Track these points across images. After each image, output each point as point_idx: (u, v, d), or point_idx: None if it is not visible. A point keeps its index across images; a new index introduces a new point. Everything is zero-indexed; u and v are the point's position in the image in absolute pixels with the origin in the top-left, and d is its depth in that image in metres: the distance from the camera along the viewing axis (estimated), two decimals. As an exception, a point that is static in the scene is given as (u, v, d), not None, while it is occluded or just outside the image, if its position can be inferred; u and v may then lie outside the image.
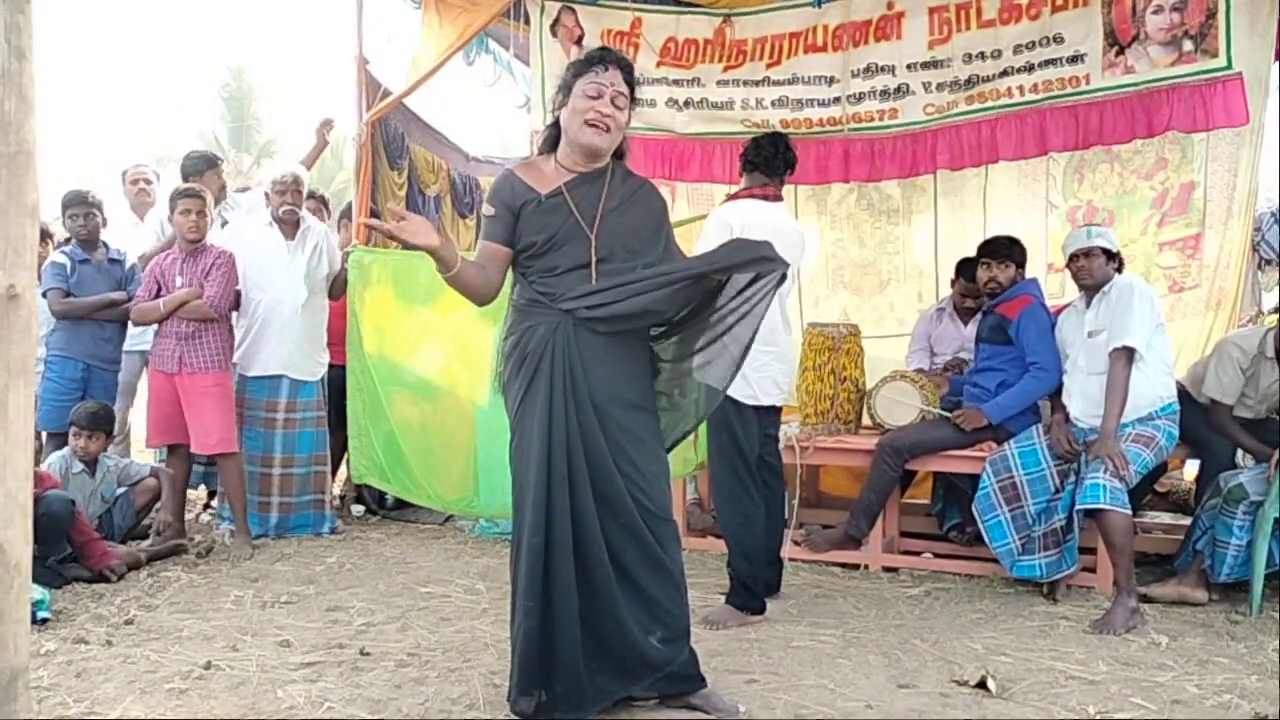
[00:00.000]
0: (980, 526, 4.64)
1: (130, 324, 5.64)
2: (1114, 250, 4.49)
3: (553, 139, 3.11)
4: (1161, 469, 5.01)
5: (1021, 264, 4.90)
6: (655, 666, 2.99)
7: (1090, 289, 4.52)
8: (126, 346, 5.97)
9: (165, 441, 5.41)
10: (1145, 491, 5.17)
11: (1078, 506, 4.31)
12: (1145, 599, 4.34)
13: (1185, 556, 4.56)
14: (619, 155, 3.12)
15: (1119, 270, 4.51)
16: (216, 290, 5.30)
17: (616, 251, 2.99)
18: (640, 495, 2.96)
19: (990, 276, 4.95)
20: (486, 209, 3.04)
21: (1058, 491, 4.51)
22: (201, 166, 6.16)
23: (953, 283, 5.74)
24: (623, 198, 3.05)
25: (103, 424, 5.23)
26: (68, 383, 5.63)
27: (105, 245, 5.82)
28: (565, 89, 3.03)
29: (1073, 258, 4.52)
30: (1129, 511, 4.22)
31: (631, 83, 3.04)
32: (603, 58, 3.00)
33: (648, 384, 3.10)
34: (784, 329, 4.24)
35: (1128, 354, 4.28)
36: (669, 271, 2.99)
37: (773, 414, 4.29)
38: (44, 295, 5.52)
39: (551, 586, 2.90)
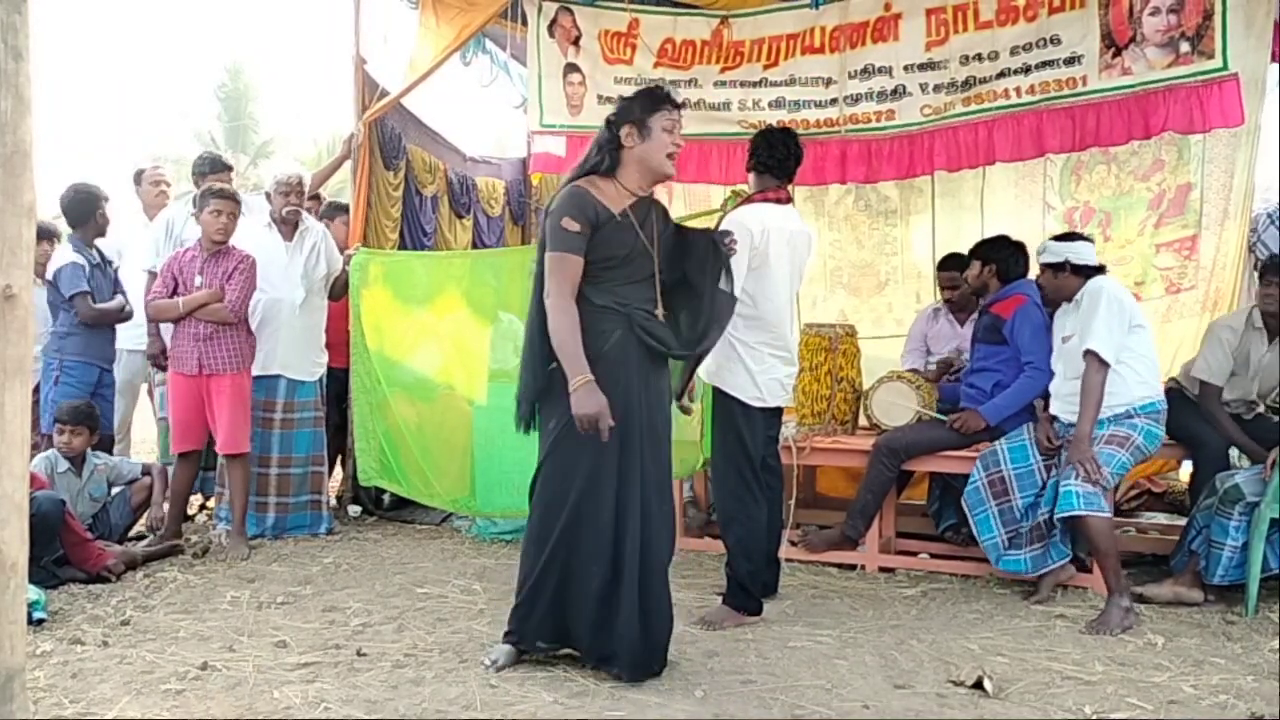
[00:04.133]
0: (969, 520, 4.65)
1: (147, 320, 5.62)
2: (1059, 262, 4.43)
3: (612, 162, 3.40)
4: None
5: (994, 260, 4.90)
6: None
7: (1054, 300, 4.56)
8: (129, 346, 5.99)
9: (188, 448, 5.36)
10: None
11: (1056, 515, 4.33)
12: (1141, 599, 4.35)
13: (1181, 556, 4.56)
14: None
15: (1099, 273, 4.47)
16: (238, 295, 5.29)
17: (665, 267, 3.45)
18: (669, 483, 3.47)
19: (962, 275, 5.13)
20: (570, 224, 3.27)
21: (1044, 486, 4.51)
22: (206, 169, 6.15)
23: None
24: (663, 220, 3.50)
25: (86, 419, 5.21)
26: (84, 387, 5.68)
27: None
28: (638, 122, 3.37)
29: None
30: (1107, 514, 4.22)
31: None
32: (670, 97, 3.43)
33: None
34: (791, 331, 4.26)
35: (1096, 358, 4.27)
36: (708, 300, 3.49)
37: (775, 414, 4.30)
38: (70, 299, 5.57)
39: (618, 559, 3.30)
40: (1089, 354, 4.26)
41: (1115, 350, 4.26)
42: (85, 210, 5.77)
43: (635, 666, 3.31)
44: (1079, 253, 4.44)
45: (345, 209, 6.68)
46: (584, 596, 3.33)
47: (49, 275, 5.67)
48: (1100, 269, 4.46)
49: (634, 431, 3.30)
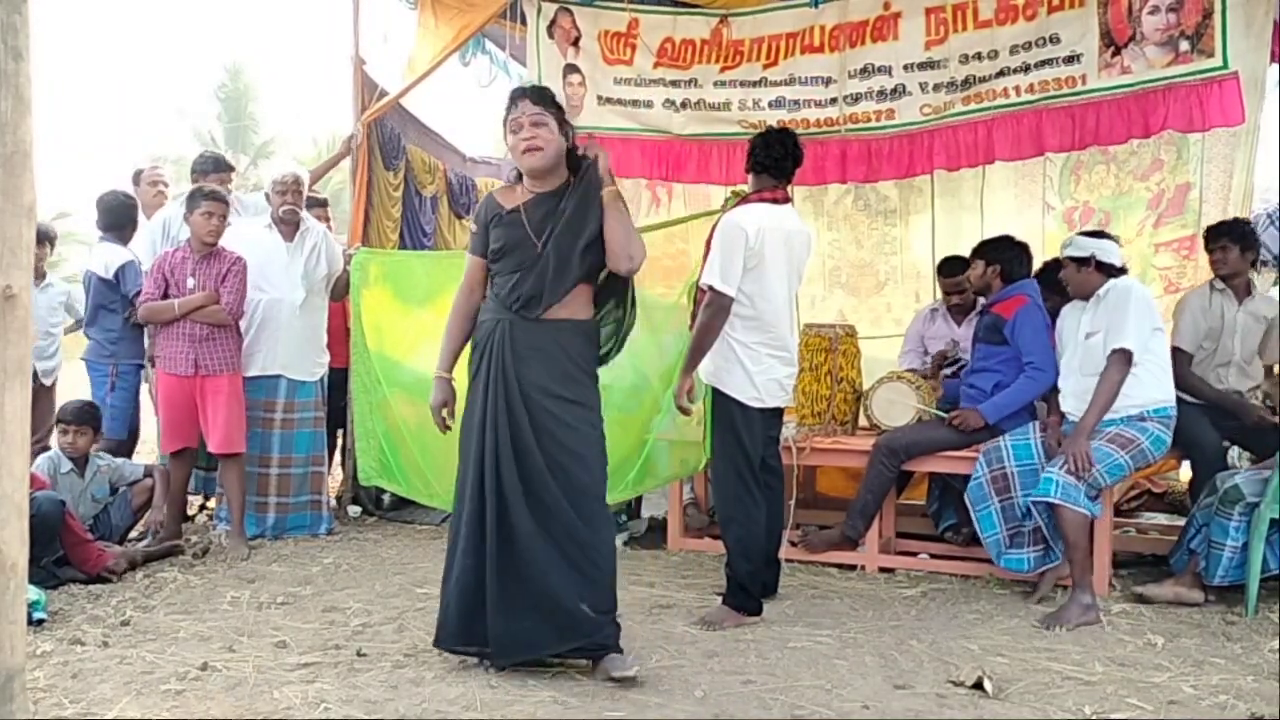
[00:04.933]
0: (972, 516, 4.65)
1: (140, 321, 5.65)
2: (1084, 256, 4.45)
3: (519, 172, 3.60)
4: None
5: (998, 261, 4.87)
6: (586, 633, 3.34)
7: (1075, 295, 4.55)
8: None
9: (178, 446, 5.37)
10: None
11: (1030, 497, 4.36)
12: (1142, 599, 4.35)
13: (1181, 556, 4.56)
14: (577, 169, 3.50)
15: (1121, 273, 4.49)
16: (234, 296, 5.30)
17: (553, 263, 3.41)
18: (564, 474, 3.35)
19: (965, 276, 5.16)
20: (472, 226, 3.66)
21: None
22: (208, 168, 6.16)
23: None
24: (574, 212, 3.44)
25: (89, 419, 5.22)
26: (134, 391, 5.85)
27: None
28: (504, 138, 3.52)
29: None
30: (1082, 510, 4.23)
31: (544, 100, 3.46)
32: (512, 98, 3.49)
33: (583, 383, 3.48)
34: (790, 332, 4.25)
35: (1124, 356, 4.28)
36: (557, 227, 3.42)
37: (775, 415, 4.30)
38: (132, 298, 5.69)
39: (483, 548, 3.37)
40: (1119, 351, 4.27)
41: (1141, 351, 4.28)
42: (126, 216, 6.02)
43: (501, 653, 3.38)
44: (1105, 250, 4.46)
45: (320, 203, 6.68)
46: (461, 586, 3.41)
47: (105, 273, 5.75)
48: (1123, 270, 4.48)
49: (487, 417, 3.39)
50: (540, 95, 3.49)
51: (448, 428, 3.55)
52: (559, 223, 3.41)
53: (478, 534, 3.38)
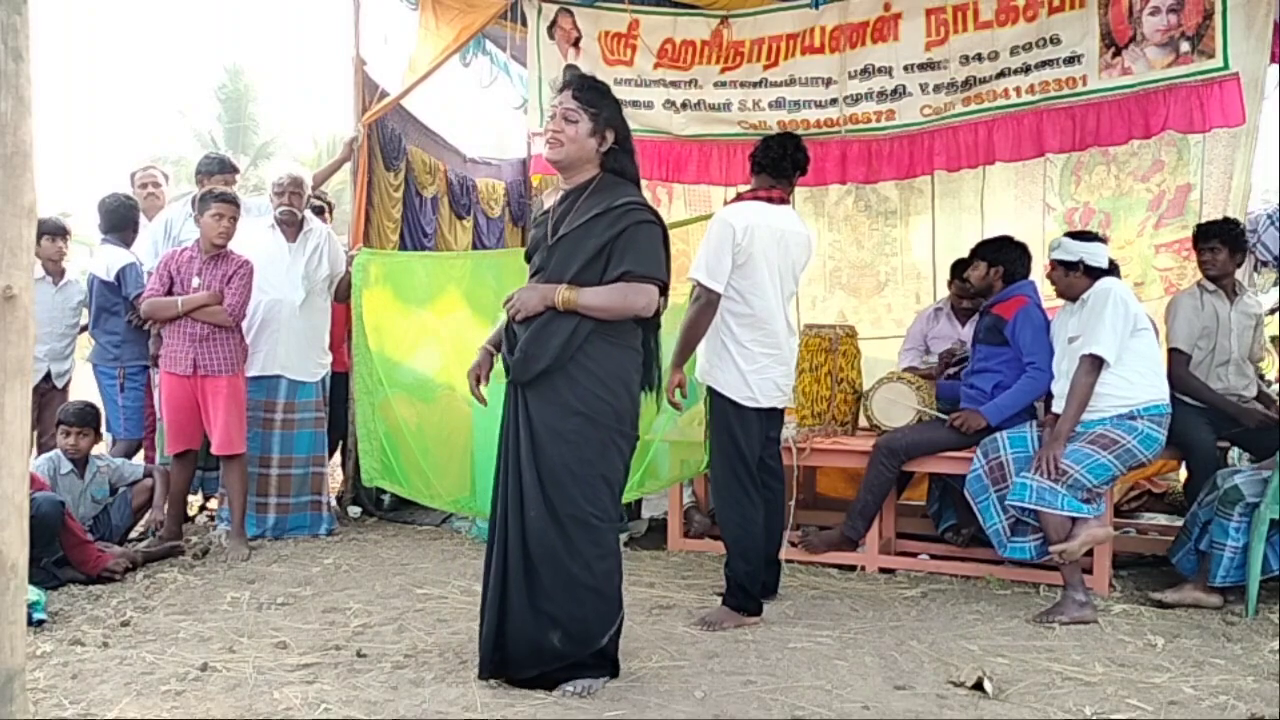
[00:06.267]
0: (973, 508, 4.65)
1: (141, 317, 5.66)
2: (1073, 261, 4.44)
3: None
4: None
5: (1001, 262, 4.87)
6: (554, 658, 3.23)
7: (1062, 298, 4.56)
8: None
9: (182, 448, 5.35)
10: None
11: (1007, 500, 4.39)
12: (1160, 604, 4.35)
13: (1187, 557, 4.55)
14: (615, 171, 3.32)
15: (1108, 274, 4.48)
16: (237, 299, 5.28)
17: (555, 266, 3.28)
18: (553, 494, 3.19)
19: (965, 276, 5.14)
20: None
21: None
22: (213, 169, 6.15)
23: (949, 284, 5.76)
24: (586, 213, 3.25)
25: (91, 421, 5.22)
26: (142, 391, 5.84)
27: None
28: None
29: None
30: (1061, 511, 4.23)
31: (585, 95, 3.28)
32: (561, 86, 3.36)
33: (596, 393, 3.23)
34: (787, 332, 4.24)
35: (1094, 362, 4.28)
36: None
37: (774, 416, 4.29)
38: (133, 300, 5.70)
39: (493, 563, 3.32)
40: (1088, 357, 4.27)
41: (1116, 354, 4.26)
42: (127, 218, 6.04)
43: (484, 664, 3.32)
44: (1093, 254, 4.44)
45: (318, 210, 6.67)
46: (485, 601, 3.38)
47: (107, 276, 5.74)
48: (1110, 271, 4.47)
49: (503, 427, 3.35)
50: (584, 88, 3.31)
51: (480, 394, 3.44)
52: (573, 223, 3.25)
53: (492, 542, 3.36)
